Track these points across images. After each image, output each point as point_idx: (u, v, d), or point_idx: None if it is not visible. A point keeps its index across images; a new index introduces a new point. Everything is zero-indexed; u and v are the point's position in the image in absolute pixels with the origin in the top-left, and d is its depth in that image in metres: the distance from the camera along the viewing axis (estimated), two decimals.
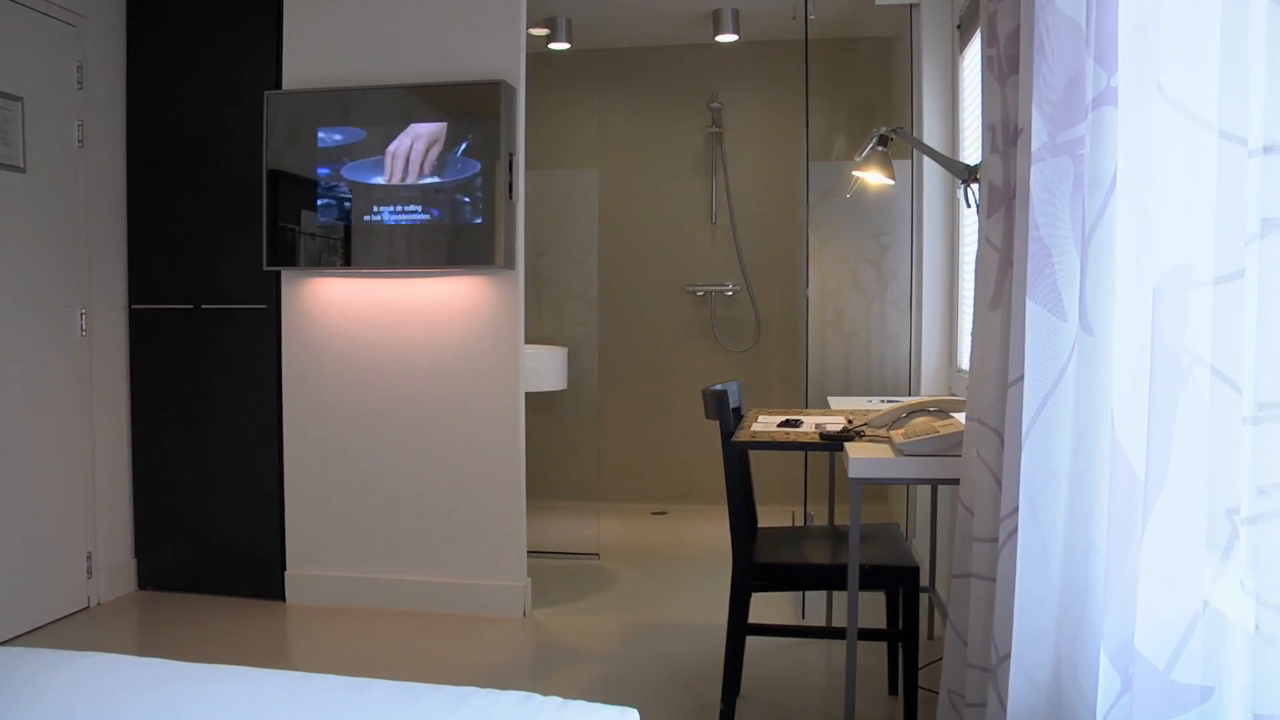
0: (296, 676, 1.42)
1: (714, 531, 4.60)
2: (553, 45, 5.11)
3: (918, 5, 3.98)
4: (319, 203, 3.73)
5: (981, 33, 1.97)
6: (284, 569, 3.92)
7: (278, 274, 3.87)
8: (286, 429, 3.90)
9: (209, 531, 3.97)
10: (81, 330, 3.79)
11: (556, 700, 1.35)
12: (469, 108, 3.62)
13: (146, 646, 3.51)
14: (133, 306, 4.01)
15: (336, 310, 3.85)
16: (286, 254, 3.77)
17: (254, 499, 3.93)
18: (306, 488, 3.89)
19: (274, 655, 3.45)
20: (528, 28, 3.77)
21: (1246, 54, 1.28)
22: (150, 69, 3.96)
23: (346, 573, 3.88)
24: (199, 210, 3.92)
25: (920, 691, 2.58)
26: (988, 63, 1.85)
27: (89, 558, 3.81)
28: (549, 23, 4.99)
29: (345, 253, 3.73)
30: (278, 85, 3.83)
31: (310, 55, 3.81)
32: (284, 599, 3.92)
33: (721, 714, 2.67)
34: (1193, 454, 1.34)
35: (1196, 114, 1.33)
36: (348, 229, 3.71)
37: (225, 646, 3.45)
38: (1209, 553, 1.33)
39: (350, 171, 3.69)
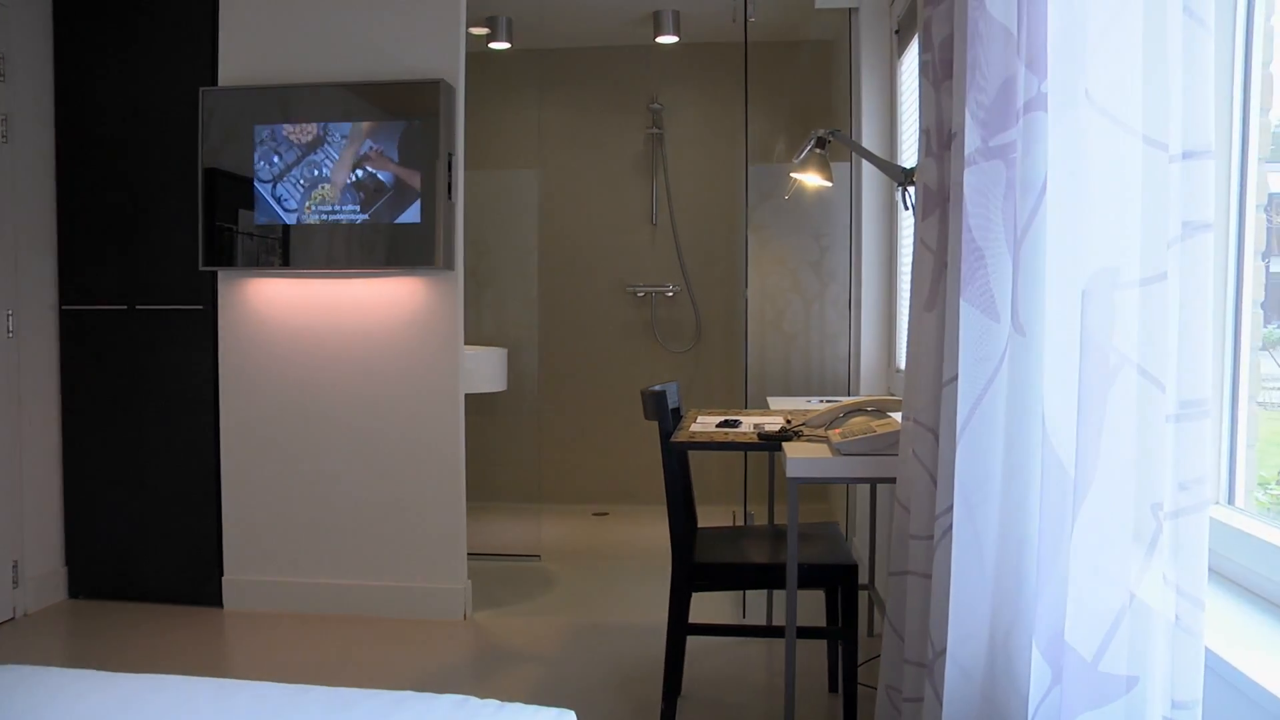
0: (229, 684, 1.40)
1: (655, 532, 4.60)
2: (493, 45, 5.09)
3: (857, 10, 4.03)
4: (256, 202, 3.66)
5: (918, 38, 1.99)
6: (221, 574, 3.85)
7: (214, 274, 3.80)
8: (223, 432, 3.83)
9: (144, 537, 3.88)
10: (9, 332, 3.69)
11: (493, 703, 1.35)
12: (408, 106, 3.58)
13: (76, 658, 3.42)
14: (63, 307, 3.90)
15: (274, 311, 3.79)
16: (223, 254, 3.70)
17: (190, 503, 3.85)
18: (244, 492, 3.83)
19: (210, 663, 3.38)
20: (468, 27, 3.75)
21: (1166, 62, 1.32)
22: (79, 60, 3.85)
23: (285, 578, 3.82)
24: (132, 208, 3.83)
25: (860, 688, 2.61)
26: (923, 67, 1.88)
27: (15, 566, 3.70)
28: (489, 22, 4.97)
29: (283, 253, 3.68)
30: (214, 80, 3.75)
31: (247, 51, 3.75)
32: (221, 605, 3.85)
33: (662, 714, 2.68)
34: (1120, 451, 1.37)
35: (1122, 120, 1.36)
36: (285, 228, 3.66)
37: (160, 655, 3.38)
38: (1135, 546, 1.37)
39: (288, 169, 3.63)
